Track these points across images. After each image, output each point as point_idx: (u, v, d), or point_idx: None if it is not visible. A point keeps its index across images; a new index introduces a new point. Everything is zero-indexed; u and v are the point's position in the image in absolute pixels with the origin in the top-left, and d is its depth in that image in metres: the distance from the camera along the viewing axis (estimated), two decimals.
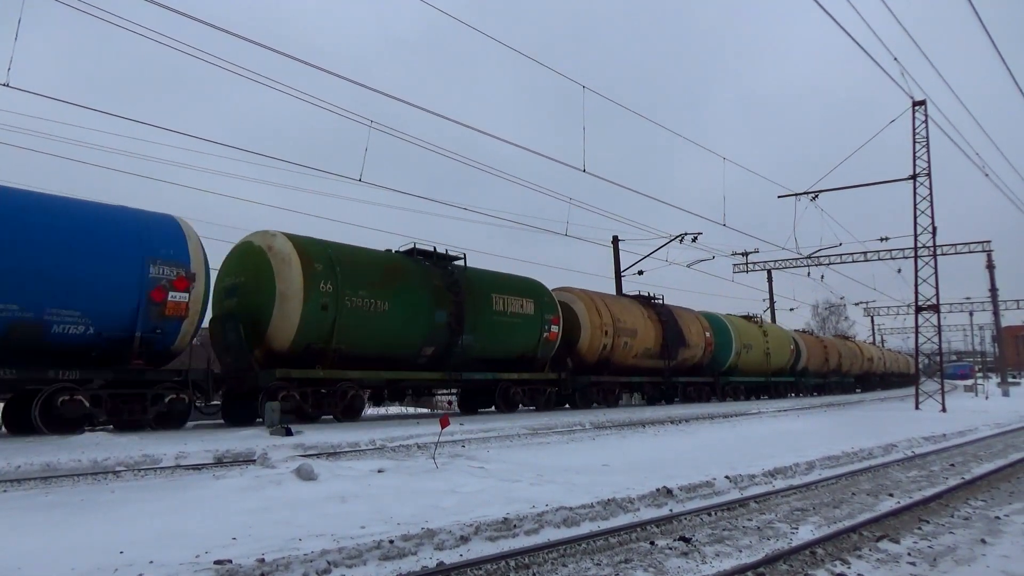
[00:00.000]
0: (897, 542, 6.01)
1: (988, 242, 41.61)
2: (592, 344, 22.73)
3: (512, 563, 5.12)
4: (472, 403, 20.85)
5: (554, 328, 20.86)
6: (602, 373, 23.36)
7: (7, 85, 12.29)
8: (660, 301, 27.18)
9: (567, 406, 22.89)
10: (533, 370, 20.48)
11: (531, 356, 20.28)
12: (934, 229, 27.21)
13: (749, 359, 32.22)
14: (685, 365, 27.66)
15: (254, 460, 9.20)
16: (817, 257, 38.57)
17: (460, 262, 18.73)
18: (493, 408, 20.13)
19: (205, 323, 14.26)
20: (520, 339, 19.85)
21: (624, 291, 32.12)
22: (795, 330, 44.20)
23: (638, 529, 6.26)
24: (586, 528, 6.26)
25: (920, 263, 27.59)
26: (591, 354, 22.80)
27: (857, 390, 50.97)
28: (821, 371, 42.53)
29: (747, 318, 34.69)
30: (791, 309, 58.55)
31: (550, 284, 22.11)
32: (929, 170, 27.22)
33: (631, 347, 24.30)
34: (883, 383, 60.17)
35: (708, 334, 28.99)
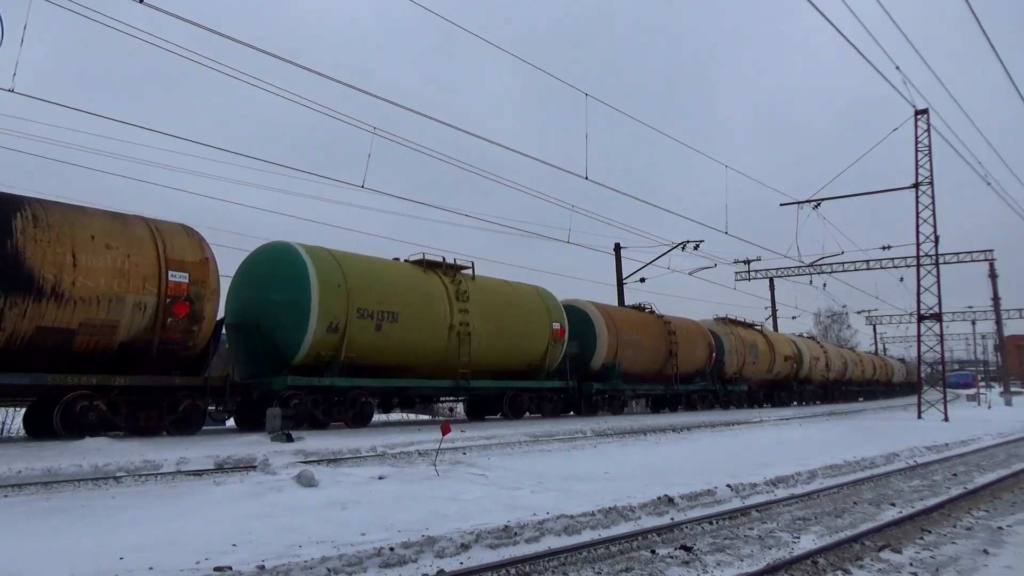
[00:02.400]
0: (899, 552, 5.99)
1: (991, 251, 41.65)
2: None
3: (513, 571, 5.11)
4: (479, 410, 20.93)
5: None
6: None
7: (12, 91, 12.35)
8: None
9: (572, 413, 22.94)
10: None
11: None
12: (936, 238, 27.21)
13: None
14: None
15: (255, 466, 9.19)
16: (819, 265, 38.59)
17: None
18: (499, 415, 20.21)
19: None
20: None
21: (625, 299, 32.13)
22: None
23: (639, 537, 6.25)
24: (587, 536, 6.24)
25: (922, 272, 27.57)
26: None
27: (860, 399, 50.77)
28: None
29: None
30: (793, 317, 58.31)
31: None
32: (931, 178, 27.24)
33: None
34: (887, 392, 59.81)
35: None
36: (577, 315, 22.96)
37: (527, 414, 20.61)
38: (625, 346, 23.74)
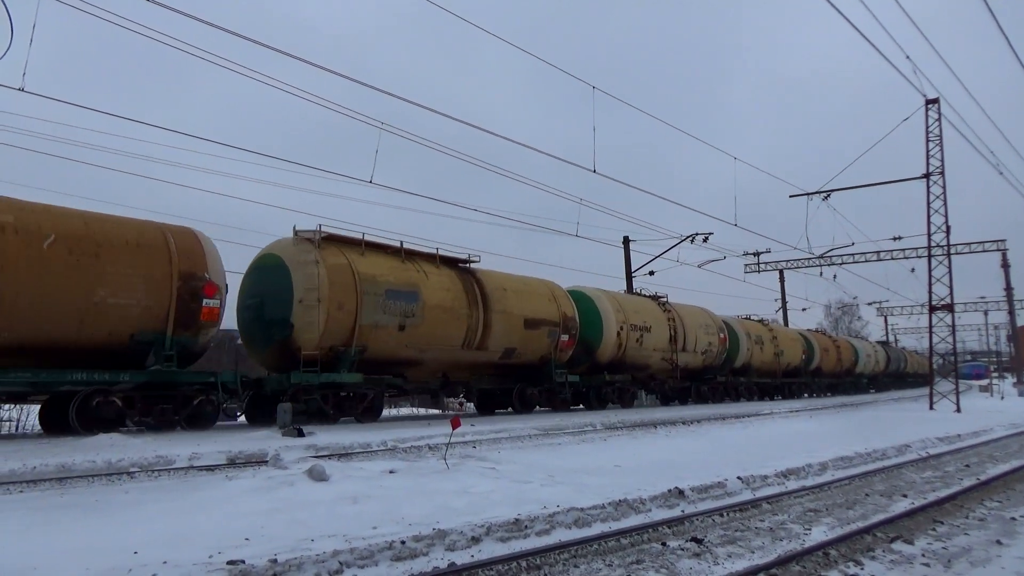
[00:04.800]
0: (911, 543, 5.96)
1: (1003, 241, 41.23)
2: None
3: (523, 564, 5.12)
4: (488, 404, 20.90)
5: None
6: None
7: (22, 90, 12.42)
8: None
9: (581, 407, 22.87)
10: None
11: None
12: (948, 228, 27.01)
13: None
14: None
15: (266, 461, 9.24)
16: (829, 257, 38.37)
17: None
18: (510, 409, 20.27)
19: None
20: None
21: (635, 290, 32.02)
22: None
23: (650, 530, 6.25)
24: (597, 529, 6.25)
25: (934, 262, 27.39)
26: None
27: (871, 390, 50.15)
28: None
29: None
30: (803, 309, 57.93)
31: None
32: (943, 168, 27.02)
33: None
34: (897, 383, 58.43)
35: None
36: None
37: (537, 408, 20.62)
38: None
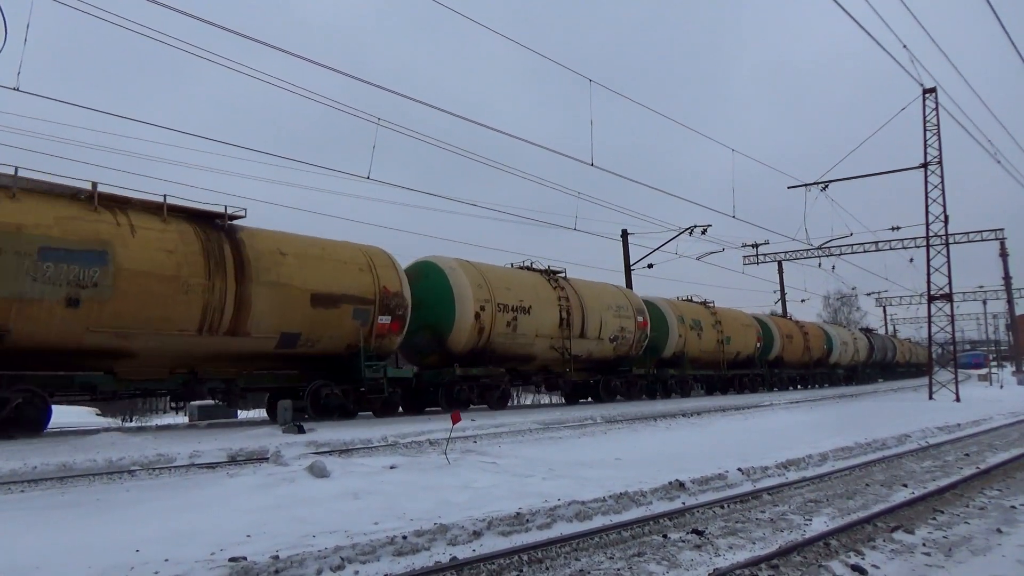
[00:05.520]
0: (912, 533, 5.97)
1: (1001, 230, 41.20)
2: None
3: (525, 557, 5.13)
4: (573, 395, 23.42)
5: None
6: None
7: (17, 89, 12.37)
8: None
9: (644, 397, 24.79)
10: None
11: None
12: (946, 218, 26.98)
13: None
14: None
15: (267, 458, 9.26)
16: (828, 248, 38.32)
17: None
18: (589, 399, 22.65)
19: None
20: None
21: (633, 285, 31.99)
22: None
23: (651, 522, 6.26)
24: (598, 522, 6.26)
25: (932, 252, 27.38)
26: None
27: (850, 383, 44.76)
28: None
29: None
30: (802, 300, 58.00)
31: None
32: (940, 158, 26.97)
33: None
34: (885, 374, 54.67)
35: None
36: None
37: (618, 397, 22.47)
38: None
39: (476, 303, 17.94)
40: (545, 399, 33.22)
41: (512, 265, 21.22)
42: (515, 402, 31.07)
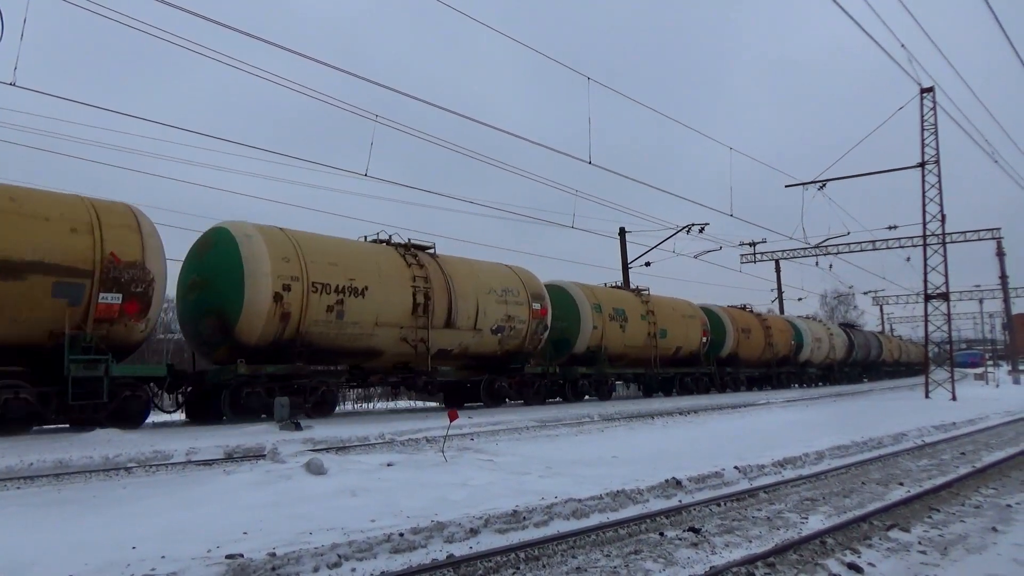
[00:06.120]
0: (908, 531, 5.99)
1: (998, 229, 41.23)
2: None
3: (522, 555, 5.13)
4: (454, 397, 19.67)
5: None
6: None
7: (14, 84, 12.33)
8: (431, 249, 19.79)
9: (559, 399, 21.61)
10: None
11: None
12: (943, 217, 27.04)
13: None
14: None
15: (264, 455, 9.25)
16: (825, 246, 38.36)
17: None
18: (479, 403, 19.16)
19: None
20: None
21: (631, 283, 32.02)
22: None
23: (647, 520, 6.26)
24: (595, 520, 6.26)
25: (929, 251, 27.44)
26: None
27: (820, 384, 40.46)
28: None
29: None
30: (799, 299, 58.07)
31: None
32: (938, 157, 27.02)
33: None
34: (868, 374, 49.85)
35: (538, 305, 20.35)
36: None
37: (507, 401, 19.16)
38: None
39: (277, 280, 13.92)
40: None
41: (365, 238, 17.50)
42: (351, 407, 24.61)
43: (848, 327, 48.64)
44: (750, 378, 32.78)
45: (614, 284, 26.91)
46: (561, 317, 21.53)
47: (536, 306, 19.74)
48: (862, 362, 48.11)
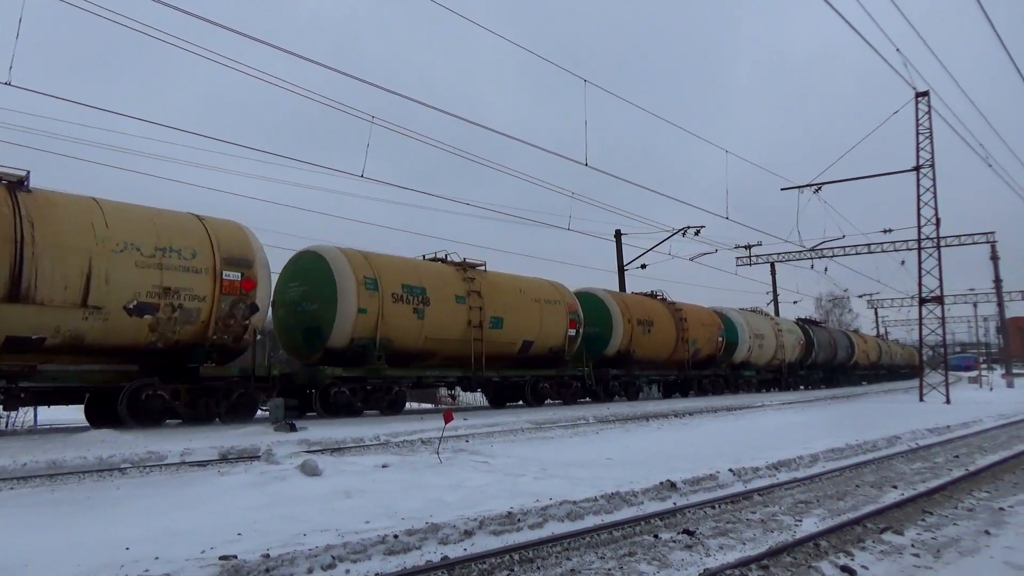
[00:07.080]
0: (901, 534, 6.01)
1: (992, 233, 41.33)
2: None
3: (516, 557, 5.13)
4: (500, 398, 21.55)
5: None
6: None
7: (9, 84, 12.29)
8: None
9: (588, 400, 23.13)
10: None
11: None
12: (938, 220, 27.12)
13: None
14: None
15: (259, 456, 9.23)
16: (820, 249, 38.45)
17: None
18: (521, 403, 20.87)
19: None
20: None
21: (626, 285, 32.06)
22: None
23: (642, 522, 6.27)
24: (590, 522, 6.27)
25: (924, 255, 27.51)
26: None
27: (801, 387, 38.01)
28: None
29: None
30: (795, 302, 58.11)
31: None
32: (932, 161, 27.11)
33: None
34: (836, 377, 43.67)
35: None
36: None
37: (548, 401, 21.03)
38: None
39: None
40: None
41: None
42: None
43: (809, 323, 42.53)
44: (650, 380, 27.41)
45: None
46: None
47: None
48: (824, 364, 41.71)
